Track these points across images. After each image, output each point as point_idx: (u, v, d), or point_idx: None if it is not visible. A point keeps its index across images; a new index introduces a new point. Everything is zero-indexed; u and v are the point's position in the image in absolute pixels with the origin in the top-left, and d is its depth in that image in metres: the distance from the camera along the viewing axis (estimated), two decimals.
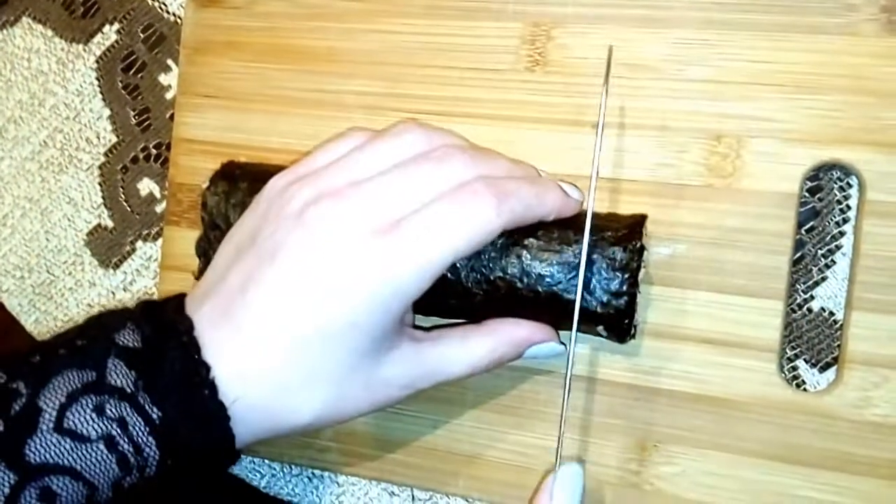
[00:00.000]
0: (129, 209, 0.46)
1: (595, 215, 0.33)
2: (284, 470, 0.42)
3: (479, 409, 0.38)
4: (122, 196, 0.46)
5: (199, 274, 0.36)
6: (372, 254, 0.28)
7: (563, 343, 0.34)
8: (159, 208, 0.46)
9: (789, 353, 0.36)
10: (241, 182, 0.35)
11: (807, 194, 0.35)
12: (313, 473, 0.41)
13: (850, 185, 0.35)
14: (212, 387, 0.28)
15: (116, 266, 0.46)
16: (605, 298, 0.32)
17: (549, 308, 0.32)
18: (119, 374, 0.27)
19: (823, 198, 0.35)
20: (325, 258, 0.28)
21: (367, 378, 0.30)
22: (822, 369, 0.35)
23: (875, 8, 0.33)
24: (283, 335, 0.28)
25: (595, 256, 0.32)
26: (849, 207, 0.35)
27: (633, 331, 0.33)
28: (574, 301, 0.32)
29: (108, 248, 0.47)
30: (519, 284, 0.32)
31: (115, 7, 0.47)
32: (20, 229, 0.48)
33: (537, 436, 0.37)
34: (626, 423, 0.36)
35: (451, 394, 0.38)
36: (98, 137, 0.47)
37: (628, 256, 0.32)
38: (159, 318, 0.29)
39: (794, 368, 0.35)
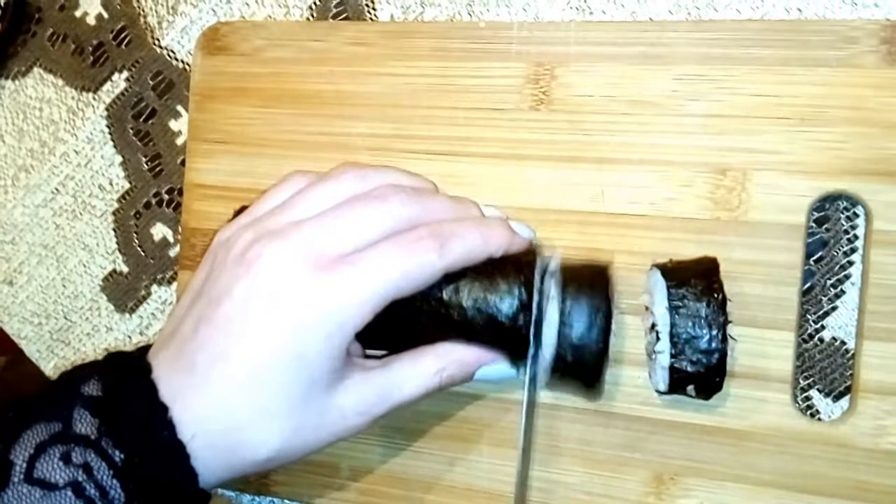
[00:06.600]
0: (143, 254, 0.47)
1: (662, 265, 0.33)
2: None
3: (496, 446, 0.38)
4: (136, 241, 0.47)
5: None
6: (312, 288, 0.29)
7: (513, 366, 0.34)
8: (173, 252, 0.46)
9: (802, 383, 0.36)
10: None
11: (814, 225, 0.36)
12: None
13: (856, 216, 0.35)
14: (170, 426, 0.29)
15: (132, 310, 0.47)
16: (695, 357, 0.32)
17: (497, 338, 0.32)
18: (84, 423, 0.29)
19: (830, 228, 0.35)
20: (267, 294, 0.30)
21: (321, 408, 0.31)
22: (836, 398, 0.35)
23: (875, 40, 0.34)
24: (234, 371, 0.29)
25: (676, 317, 0.32)
26: (856, 237, 0.35)
27: (721, 386, 0.33)
28: (529, 338, 0.32)
29: (124, 292, 0.47)
30: (457, 315, 0.32)
31: (123, 55, 0.47)
32: (36, 276, 0.49)
33: (556, 471, 0.37)
34: (643, 457, 0.36)
35: (465, 432, 0.38)
36: (111, 184, 0.48)
37: (713, 311, 0.32)
38: (123, 366, 0.31)
39: (808, 398, 0.36)
